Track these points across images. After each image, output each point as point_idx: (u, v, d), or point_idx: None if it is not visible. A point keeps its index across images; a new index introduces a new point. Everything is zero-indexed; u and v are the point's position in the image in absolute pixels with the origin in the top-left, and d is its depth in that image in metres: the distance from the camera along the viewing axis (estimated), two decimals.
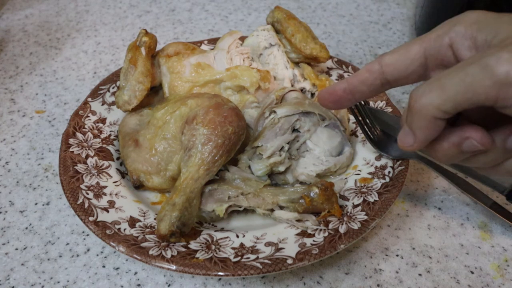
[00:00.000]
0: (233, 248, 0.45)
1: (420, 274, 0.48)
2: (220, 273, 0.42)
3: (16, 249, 0.50)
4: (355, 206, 0.49)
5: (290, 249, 0.45)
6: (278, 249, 0.45)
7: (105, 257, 0.50)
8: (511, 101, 0.28)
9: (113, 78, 0.66)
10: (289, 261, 0.43)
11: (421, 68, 0.36)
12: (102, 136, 0.59)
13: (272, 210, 0.49)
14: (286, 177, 0.54)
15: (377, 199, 0.49)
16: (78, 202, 0.49)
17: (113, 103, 0.63)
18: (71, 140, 0.56)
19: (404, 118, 0.34)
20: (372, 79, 0.37)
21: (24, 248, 0.50)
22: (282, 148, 0.53)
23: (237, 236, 0.47)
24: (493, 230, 0.52)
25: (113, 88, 0.65)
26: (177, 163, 0.52)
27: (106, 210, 0.49)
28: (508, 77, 0.27)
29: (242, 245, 0.46)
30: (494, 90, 0.27)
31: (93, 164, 0.55)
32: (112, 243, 0.45)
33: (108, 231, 0.46)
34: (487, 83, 0.27)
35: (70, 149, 0.55)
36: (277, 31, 0.66)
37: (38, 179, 0.59)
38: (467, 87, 0.28)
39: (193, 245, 0.45)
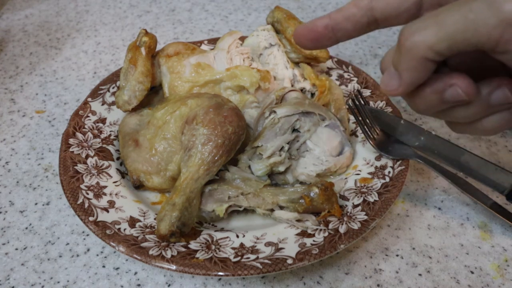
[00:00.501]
0: (233, 248, 0.45)
1: (420, 274, 0.48)
2: (220, 273, 0.42)
3: (16, 249, 0.50)
4: (355, 206, 0.49)
5: (290, 249, 0.45)
6: (278, 249, 0.45)
7: (105, 257, 0.50)
8: None
9: (113, 78, 0.66)
10: (289, 261, 0.43)
11: (415, 7, 0.33)
12: (102, 136, 0.59)
13: (272, 210, 0.49)
14: (286, 177, 0.54)
15: (377, 199, 0.49)
16: (78, 202, 0.49)
17: (113, 103, 0.63)
18: (71, 140, 0.56)
19: (388, 59, 0.31)
20: (359, 16, 0.33)
21: (24, 248, 0.50)
22: (282, 148, 0.53)
23: (237, 236, 0.47)
24: (493, 230, 0.52)
25: (113, 88, 0.65)
26: (177, 163, 0.52)
27: (106, 210, 0.49)
28: None
29: (242, 245, 0.46)
30: (498, 30, 0.25)
31: (93, 164, 0.55)
32: (112, 243, 0.45)
33: (108, 231, 0.46)
34: (492, 22, 0.25)
35: (70, 149, 0.55)
36: (277, 31, 0.66)
37: (38, 179, 0.59)
38: (468, 25, 0.26)
39: (193, 245, 0.45)
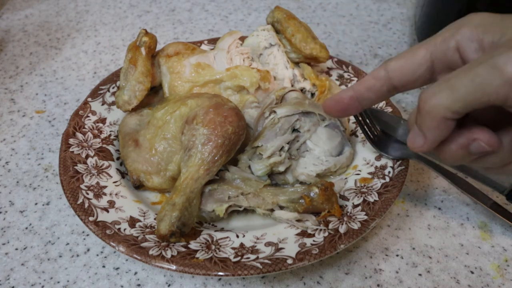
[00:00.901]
0: (233, 248, 0.45)
1: (420, 274, 0.48)
2: (220, 273, 0.42)
3: (16, 249, 0.50)
4: (355, 206, 0.49)
5: (290, 249, 0.45)
6: (278, 249, 0.45)
7: (105, 257, 0.50)
8: None
9: (113, 78, 0.66)
10: (289, 261, 0.43)
11: (427, 72, 0.35)
12: (102, 136, 0.59)
13: (272, 210, 0.49)
14: (286, 177, 0.54)
15: (377, 199, 0.49)
16: (78, 202, 0.49)
17: (113, 103, 0.63)
18: (71, 140, 0.56)
19: (413, 119, 0.34)
20: (378, 86, 0.37)
21: (24, 248, 0.50)
22: (282, 148, 0.53)
23: (237, 236, 0.47)
24: (493, 230, 0.52)
25: (113, 88, 0.65)
26: (177, 163, 0.52)
27: (106, 210, 0.49)
28: None
29: (242, 245, 0.46)
30: (504, 89, 0.27)
31: (93, 164, 0.55)
32: (112, 243, 0.45)
33: (108, 231, 0.46)
34: (497, 83, 0.28)
35: (70, 149, 0.55)
36: (277, 31, 0.66)
37: (38, 179, 0.59)
38: (477, 87, 0.28)
39: (193, 245, 0.45)
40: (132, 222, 0.48)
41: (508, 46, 0.28)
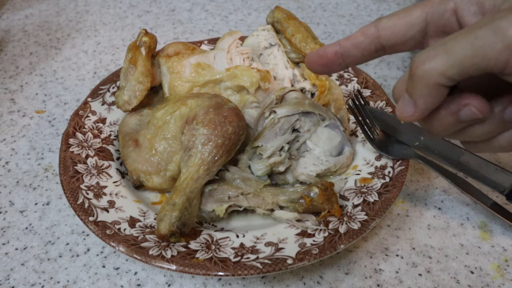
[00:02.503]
0: (233, 248, 0.45)
1: (420, 274, 0.48)
2: (220, 273, 0.42)
3: (16, 249, 0.50)
4: (355, 206, 0.49)
5: (290, 249, 0.45)
6: (278, 249, 0.45)
7: (105, 257, 0.50)
8: None
9: (113, 78, 0.66)
10: (289, 261, 0.43)
11: (420, 34, 0.34)
12: (102, 136, 0.59)
13: (272, 210, 0.49)
14: (286, 177, 0.54)
15: (377, 199, 0.49)
16: (78, 202, 0.49)
17: (113, 103, 0.63)
18: (71, 140, 0.56)
19: (401, 86, 0.32)
20: (366, 43, 0.35)
21: (24, 248, 0.50)
22: (282, 148, 0.53)
23: (237, 236, 0.47)
24: (493, 230, 0.52)
25: (113, 88, 0.65)
26: (177, 163, 0.52)
27: (106, 210, 0.49)
28: None
29: (242, 245, 0.46)
30: (505, 54, 0.26)
31: (93, 164, 0.55)
32: (112, 243, 0.45)
33: (108, 231, 0.46)
34: (498, 47, 0.26)
35: (70, 149, 0.55)
36: (277, 31, 0.66)
37: (38, 179, 0.59)
38: (476, 51, 0.27)
39: (193, 245, 0.45)
40: (132, 222, 0.48)
41: (510, 10, 0.27)
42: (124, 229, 0.47)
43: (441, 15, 0.33)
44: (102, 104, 0.63)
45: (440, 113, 0.31)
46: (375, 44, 0.35)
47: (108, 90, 0.65)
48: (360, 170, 0.55)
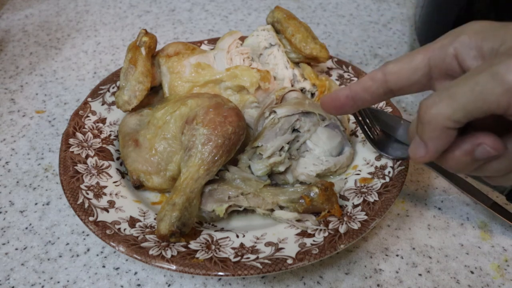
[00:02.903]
0: (233, 248, 0.45)
1: (420, 274, 0.48)
2: (220, 273, 0.42)
3: (16, 249, 0.50)
4: (355, 206, 0.49)
5: (290, 249, 0.45)
6: (278, 249, 0.45)
7: (105, 257, 0.50)
8: None
9: (113, 78, 0.66)
10: (289, 261, 0.43)
11: (424, 78, 0.35)
12: (102, 136, 0.59)
13: (272, 210, 0.49)
14: (286, 177, 0.54)
15: (377, 199, 0.49)
16: (78, 202, 0.49)
17: (113, 103, 0.63)
18: (71, 140, 0.56)
19: (414, 129, 0.34)
20: (375, 88, 0.37)
21: (24, 248, 0.50)
22: (282, 148, 0.53)
23: (237, 236, 0.47)
24: (493, 230, 0.52)
25: (113, 88, 0.65)
26: (177, 163, 0.52)
27: (106, 210, 0.49)
28: None
29: (242, 245, 0.46)
30: (505, 97, 0.27)
31: (93, 164, 0.55)
32: (112, 243, 0.45)
33: (108, 231, 0.46)
34: (497, 91, 0.27)
35: (70, 149, 0.55)
36: (277, 31, 0.66)
37: (38, 179, 0.59)
38: (478, 96, 0.28)
39: (193, 245, 0.45)
40: (132, 222, 0.48)
41: (508, 54, 0.28)
42: (124, 229, 0.47)
43: (442, 60, 0.34)
44: (102, 104, 0.63)
45: (455, 154, 0.32)
46: (383, 88, 0.37)
47: (108, 90, 0.64)
48: (360, 170, 0.55)
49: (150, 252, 0.44)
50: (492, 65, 0.28)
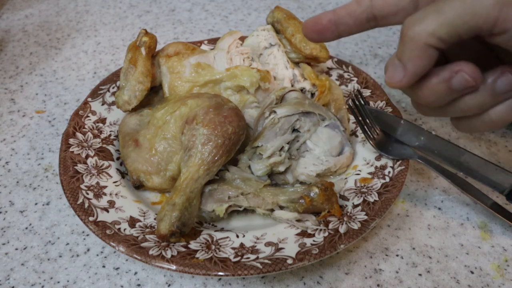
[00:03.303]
0: (233, 248, 0.45)
1: (420, 274, 0.48)
2: (220, 273, 0.42)
3: (16, 249, 0.50)
4: (355, 206, 0.49)
5: (290, 249, 0.45)
6: (278, 249, 0.45)
7: (105, 257, 0.50)
8: (511, 23, 0.27)
9: (113, 78, 0.66)
10: (289, 261, 0.43)
11: (411, 5, 0.34)
12: (102, 136, 0.59)
13: (272, 210, 0.49)
14: (286, 177, 0.54)
15: (377, 199, 0.49)
16: (78, 202, 0.49)
17: (113, 103, 0.63)
18: (71, 140, 0.56)
19: (394, 57, 0.33)
20: (359, 12, 0.35)
21: (24, 248, 0.50)
22: (282, 148, 0.53)
23: (237, 236, 0.47)
24: (493, 230, 0.52)
25: (113, 88, 0.65)
26: (177, 163, 0.52)
27: (106, 210, 0.49)
28: None
29: (242, 245, 0.46)
30: (495, 10, 0.27)
31: (93, 164, 0.55)
32: (112, 243, 0.45)
33: (108, 231, 0.46)
34: (488, 3, 0.27)
35: (70, 149, 0.55)
36: (277, 31, 0.66)
37: (38, 179, 0.59)
38: (467, 9, 0.27)
39: (193, 245, 0.45)
40: (132, 222, 0.48)
41: None
42: (124, 229, 0.47)
43: None
44: (102, 104, 0.63)
45: (431, 81, 0.31)
46: (367, 13, 0.35)
47: (108, 90, 0.65)
48: (360, 170, 0.55)
49: (150, 252, 0.44)
50: None
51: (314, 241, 0.45)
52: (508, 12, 0.26)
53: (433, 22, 0.28)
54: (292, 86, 0.62)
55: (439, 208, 0.55)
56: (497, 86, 0.31)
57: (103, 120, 0.61)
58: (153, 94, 0.62)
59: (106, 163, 0.55)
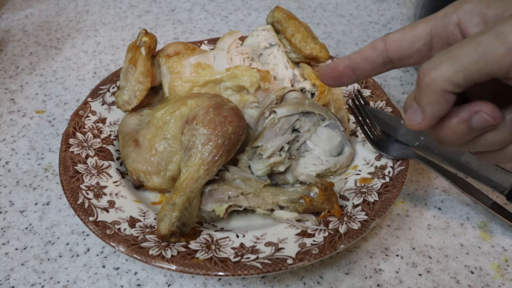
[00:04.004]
0: (233, 248, 0.45)
1: (420, 274, 0.48)
2: (220, 273, 0.42)
3: (16, 249, 0.50)
4: (355, 206, 0.49)
5: (290, 249, 0.45)
6: (278, 249, 0.45)
7: (105, 257, 0.50)
8: None
9: (113, 78, 0.66)
10: (289, 261, 0.43)
11: (425, 47, 0.35)
12: (102, 136, 0.59)
13: (272, 210, 0.49)
14: (286, 177, 0.54)
15: (377, 199, 0.49)
16: (78, 202, 0.49)
17: (113, 103, 0.63)
18: (71, 140, 0.56)
19: (411, 98, 0.33)
20: (375, 57, 0.36)
21: (24, 248, 0.50)
22: (282, 148, 0.53)
23: (237, 236, 0.47)
24: (493, 230, 0.52)
25: (113, 88, 0.65)
26: (177, 163, 0.52)
27: (106, 210, 0.49)
28: None
29: (242, 245, 0.46)
30: (507, 58, 0.27)
31: (93, 164, 0.55)
32: (112, 243, 0.45)
33: (108, 231, 0.46)
34: (500, 51, 0.27)
35: (70, 149, 0.55)
36: (277, 31, 0.66)
37: (38, 179, 0.59)
38: (480, 56, 0.28)
39: (193, 245, 0.45)
40: (132, 222, 0.48)
41: (511, 17, 0.28)
42: (124, 229, 0.47)
43: (445, 28, 0.34)
44: (102, 104, 0.63)
45: (451, 122, 0.32)
46: (383, 58, 0.36)
47: (108, 90, 0.65)
48: (360, 170, 0.55)
49: (150, 252, 0.44)
50: (495, 25, 0.28)
51: (314, 241, 0.45)
52: None
53: (448, 69, 0.29)
54: (292, 86, 0.62)
55: (439, 208, 0.55)
56: None
57: (103, 120, 0.61)
58: (153, 94, 0.62)
59: (106, 163, 0.55)
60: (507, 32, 0.27)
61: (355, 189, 0.52)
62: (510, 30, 0.27)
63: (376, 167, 0.54)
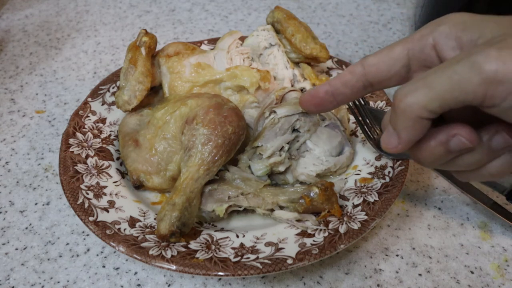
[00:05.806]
0: (233, 248, 0.45)
1: (420, 274, 0.48)
2: (220, 273, 0.42)
3: (16, 249, 0.50)
4: (355, 206, 0.49)
5: (290, 249, 0.45)
6: (278, 249, 0.45)
7: (105, 257, 0.50)
8: (499, 100, 0.27)
9: (113, 78, 0.66)
10: (289, 261, 0.43)
11: (404, 69, 0.35)
12: (102, 136, 0.59)
13: (272, 210, 0.49)
14: (286, 177, 0.54)
15: (377, 199, 0.49)
16: (78, 202, 0.49)
17: (113, 103, 0.63)
18: (71, 140, 0.56)
19: (387, 118, 0.33)
20: (354, 81, 0.36)
21: (24, 248, 0.50)
22: (282, 148, 0.53)
23: (237, 236, 0.47)
24: (493, 230, 0.52)
25: (113, 88, 0.65)
26: (177, 163, 0.52)
27: (106, 210, 0.49)
28: (496, 75, 0.26)
29: (242, 245, 0.46)
30: (482, 88, 0.27)
31: (93, 164, 0.55)
32: (112, 243, 0.45)
33: (108, 231, 0.46)
34: (475, 81, 0.27)
35: (70, 149, 0.55)
36: (277, 31, 0.66)
37: (38, 179, 0.59)
38: (455, 85, 0.28)
39: (193, 245, 0.45)
40: (132, 222, 0.48)
41: (487, 44, 0.28)
42: (124, 229, 0.47)
43: (421, 50, 0.34)
44: (102, 104, 0.63)
45: (429, 144, 0.32)
46: (362, 82, 0.36)
47: (108, 90, 0.65)
48: (360, 170, 0.55)
49: (150, 252, 0.44)
50: (470, 54, 0.28)
51: (314, 241, 0.45)
52: (496, 89, 0.27)
53: (424, 96, 0.29)
54: (292, 86, 0.62)
55: (439, 208, 0.55)
56: (492, 144, 0.31)
57: (103, 120, 0.61)
58: (153, 94, 0.62)
59: (106, 163, 0.55)
60: (481, 62, 0.27)
61: (355, 189, 0.52)
62: (484, 60, 0.27)
63: (376, 167, 0.54)
